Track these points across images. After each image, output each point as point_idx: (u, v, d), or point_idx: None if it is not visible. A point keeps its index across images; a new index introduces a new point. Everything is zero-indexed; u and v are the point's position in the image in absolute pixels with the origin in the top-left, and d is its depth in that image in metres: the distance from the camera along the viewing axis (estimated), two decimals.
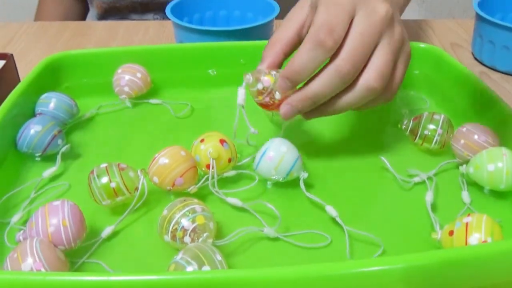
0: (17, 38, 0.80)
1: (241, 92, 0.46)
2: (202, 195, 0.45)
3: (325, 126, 0.49)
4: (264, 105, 0.47)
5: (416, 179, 0.47)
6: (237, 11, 0.77)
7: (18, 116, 0.50)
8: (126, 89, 0.57)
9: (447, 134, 0.50)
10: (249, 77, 0.46)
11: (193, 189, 0.44)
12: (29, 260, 0.35)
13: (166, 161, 0.43)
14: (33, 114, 0.53)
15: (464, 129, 0.49)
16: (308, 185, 0.47)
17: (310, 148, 0.52)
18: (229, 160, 0.46)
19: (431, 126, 0.50)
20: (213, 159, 0.45)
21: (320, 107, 0.45)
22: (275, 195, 0.46)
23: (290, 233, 0.42)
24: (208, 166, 0.45)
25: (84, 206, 0.41)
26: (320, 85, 0.43)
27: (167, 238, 0.39)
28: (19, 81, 0.57)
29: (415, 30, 0.82)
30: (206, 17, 0.76)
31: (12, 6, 1.53)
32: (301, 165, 0.45)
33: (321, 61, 0.43)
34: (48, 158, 0.49)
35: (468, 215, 0.39)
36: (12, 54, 0.59)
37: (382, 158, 0.48)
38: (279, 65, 0.47)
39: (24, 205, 0.44)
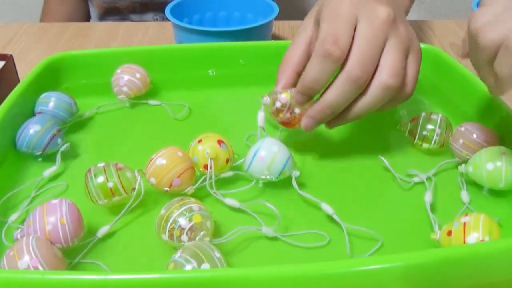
0: (16, 39, 0.80)
1: (260, 115, 0.48)
2: (199, 196, 0.45)
3: (323, 128, 0.49)
4: (287, 123, 0.49)
5: (416, 179, 0.47)
6: (237, 12, 0.77)
7: (18, 116, 0.50)
8: (125, 89, 0.57)
9: (445, 133, 0.50)
10: (266, 99, 0.48)
11: (190, 190, 0.44)
12: (26, 258, 0.35)
13: (163, 162, 0.43)
14: (32, 114, 0.53)
15: (463, 128, 0.49)
16: (308, 186, 0.47)
17: (309, 148, 0.52)
18: (227, 161, 0.46)
19: (430, 126, 0.50)
20: (211, 159, 0.45)
21: (340, 115, 0.46)
22: (270, 195, 0.46)
23: (289, 233, 0.42)
24: (205, 167, 0.45)
25: (82, 205, 0.41)
26: (334, 94, 0.44)
27: (165, 237, 0.39)
28: (19, 81, 0.57)
29: (414, 31, 0.82)
30: (206, 18, 0.76)
31: (12, 6, 1.54)
32: (293, 164, 0.46)
33: (331, 71, 0.44)
34: (48, 157, 0.49)
35: (466, 214, 0.39)
36: (11, 55, 0.59)
37: (381, 157, 0.48)
38: (293, 85, 0.49)
39: (23, 204, 0.44)
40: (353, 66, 0.43)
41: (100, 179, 0.42)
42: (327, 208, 0.43)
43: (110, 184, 0.42)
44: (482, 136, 0.47)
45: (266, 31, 0.69)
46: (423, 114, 0.51)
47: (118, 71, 0.57)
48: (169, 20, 0.68)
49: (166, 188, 0.44)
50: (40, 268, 0.35)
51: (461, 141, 0.48)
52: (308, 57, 0.48)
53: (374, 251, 0.40)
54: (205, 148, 0.45)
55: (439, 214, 0.44)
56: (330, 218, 0.43)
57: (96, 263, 0.39)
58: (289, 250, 0.41)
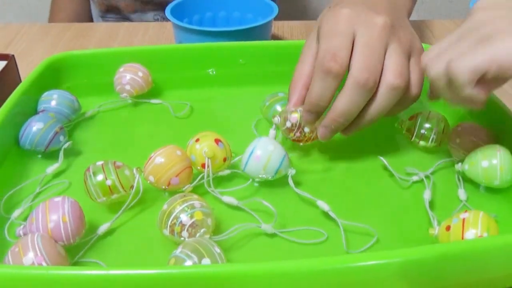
0: (18, 39, 0.80)
1: (271, 133, 0.50)
2: (197, 194, 0.45)
3: None
4: (297, 140, 0.50)
5: (415, 178, 0.48)
6: (236, 12, 0.77)
7: (20, 114, 0.51)
8: (128, 87, 0.57)
9: (443, 132, 0.50)
10: (277, 119, 0.49)
11: (188, 188, 0.45)
12: (31, 254, 0.35)
13: (162, 161, 0.44)
14: (35, 113, 0.53)
15: (460, 128, 0.50)
16: (304, 184, 0.47)
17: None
18: (224, 159, 0.46)
19: (427, 125, 0.51)
20: (208, 158, 0.45)
21: (354, 121, 0.47)
22: (267, 193, 0.47)
23: (287, 229, 0.42)
24: (203, 165, 0.45)
25: (84, 203, 0.41)
26: (344, 102, 0.45)
27: (166, 232, 0.39)
28: (20, 81, 0.57)
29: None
30: (206, 18, 0.77)
31: (12, 6, 1.54)
32: (289, 162, 0.46)
33: (334, 87, 0.45)
34: (50, 155, 0.50)
35: (465, 211, 0.39)
36: (13, 55, 0.59)
37: (381, 157, 0.49)
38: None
39: (26, 201, 0.45)
40: (358, 70, 0.44)
41: (99, 177, 0.43)
42: (323, 205, 0.43)
43: (109, 182, 0.43)
44: (479, 135, 0.48)
45: (266, 31, 0.69)
46: (422, 112, 0.52)
47: (121, 69, 0.58)
48: (169, 20, 0.68)
49: (164, 187, 0.44)
50: (44, 265, 0.35)
51: (458, 140, 0.49)
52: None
53: (369, 246, 0.41)
54: (203, 147, 0.46)
55: (436, 212, 0.44)
56: (326, 215, 0.43)
57: (97, 262, 0.40)
58: (287, 247, 0.41)
